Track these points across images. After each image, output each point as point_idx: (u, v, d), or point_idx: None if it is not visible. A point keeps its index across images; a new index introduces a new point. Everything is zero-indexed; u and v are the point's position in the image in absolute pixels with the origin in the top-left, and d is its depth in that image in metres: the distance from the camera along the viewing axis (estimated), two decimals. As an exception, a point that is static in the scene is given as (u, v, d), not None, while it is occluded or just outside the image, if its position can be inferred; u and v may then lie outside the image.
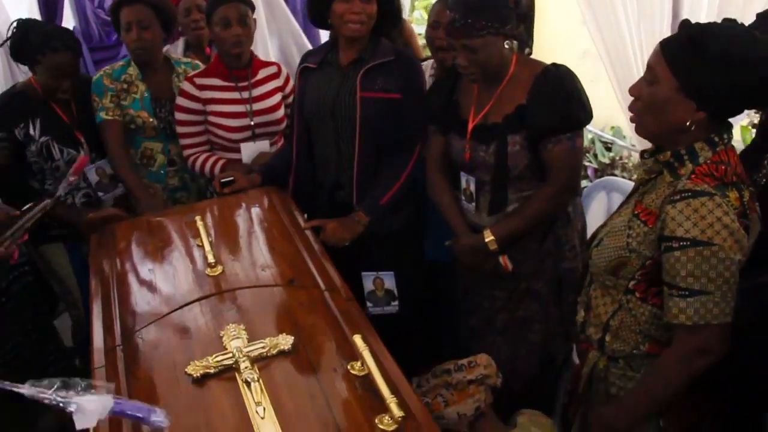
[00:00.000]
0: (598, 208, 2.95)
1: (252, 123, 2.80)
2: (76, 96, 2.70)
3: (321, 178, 2.57)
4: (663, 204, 1.51)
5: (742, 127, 3.68)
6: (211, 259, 1.92)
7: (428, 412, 1.46)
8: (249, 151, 2.82)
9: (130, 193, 2.72)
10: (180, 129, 2.81)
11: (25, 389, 1.25)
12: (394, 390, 1.44)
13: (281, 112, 2.85)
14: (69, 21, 4.35)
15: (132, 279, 1.97)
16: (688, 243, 1.45)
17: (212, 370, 1.51)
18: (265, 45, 4.05)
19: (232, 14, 2.63)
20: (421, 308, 2.71)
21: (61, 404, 1.24)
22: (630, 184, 2.99)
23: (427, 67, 2.83)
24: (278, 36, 4.19)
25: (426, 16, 4.15)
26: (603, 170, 4.08)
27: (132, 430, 1.40)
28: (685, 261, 1.46)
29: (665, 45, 1.52)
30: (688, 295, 1.46)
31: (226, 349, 1.58)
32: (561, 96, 2.07)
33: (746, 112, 2.29)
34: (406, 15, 4.66)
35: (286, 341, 1.58)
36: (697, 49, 1.45)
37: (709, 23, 1.52)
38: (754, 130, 3.47)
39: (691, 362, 1.50)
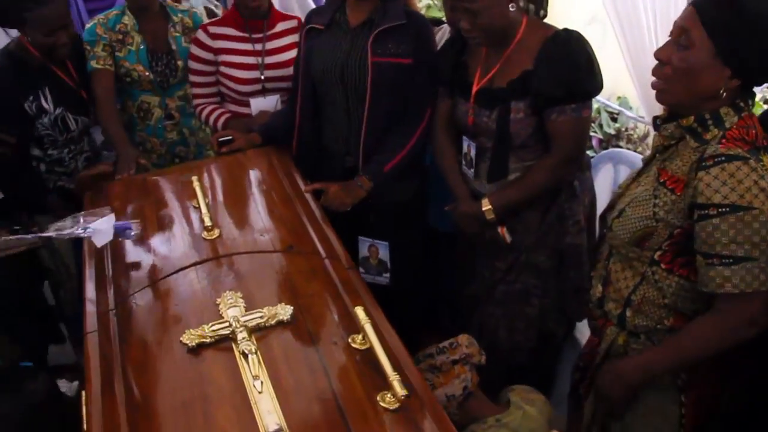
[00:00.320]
0: (604, 181, 2.88)
1: (262, 77, 2.72)
2: (71, 55, 2.58)
3: (327, 142, 2.50)
4: (692, 170, 1.45)
5: (756, 103, 3.59)
6: (208, 222, 1.86)
7: (431, 391, 1.40)
8: (258, 105, 2.75)
9: (112, 145, 2.63)
10: (191, 77, 2.77)
11: (52, 233, 1.86)
12: (397, 366, 1.39)
13: (295, 68, 2.77)
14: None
15: (126, 241, 1.90)
16: (728, 209, 1.38)
17: (208, 340, 1.46)
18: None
19: None
20: (418, 282, 2.66)
21: (82, 234, 1.82)
22: (637, 156, 2.93)
23: (445, 32, 2.73)
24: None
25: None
26: (608, 141, 3.99)
27: (125, 407, 1.35)
28: (726, 228, 1.39)
29: (700, 6, 1.42)
30: (733, 262, 1.39)
31: (223, 317, 1.52)
32: (568, 63, 1.97)
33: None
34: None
35: (285, 311, 1.52)
36: (736, 11, 1.37)
37: None
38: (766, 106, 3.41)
39: (738, 332, 1.44)
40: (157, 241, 1.88)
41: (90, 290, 1.74)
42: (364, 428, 1.28)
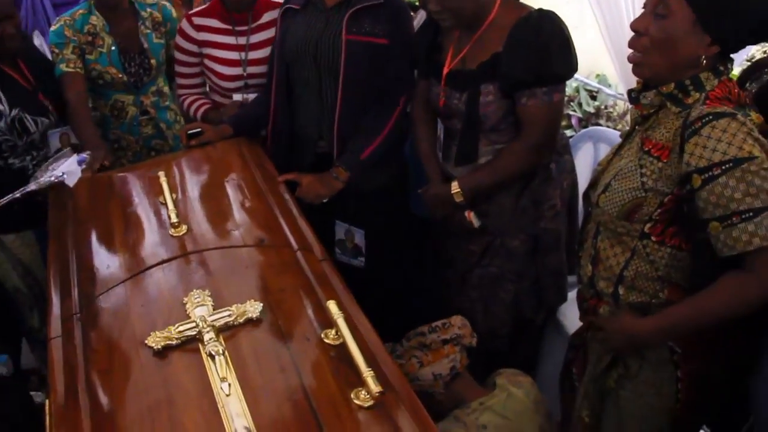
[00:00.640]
0: (584, 160, 2.83)
1: (245, 73, 2.63)
2: (21, 53, 2.42)
3: (300, 127, 2.43)
4: (677, 136, 1.41)
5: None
6: (174, 218, 1.79)
7: (409, 386, 1.35)
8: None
9: (85, 147, 2.41)
10: (176, 68, 2.70)
11: (32, 185, 2.06)
12: (372, 361, 1.34)
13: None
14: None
15: (91, 240, 1.84)
16: (731, 164, 1.34)
17: (174, 342, 1.39)
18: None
19: None
20: (397, 269, 2.61)
21: (56, 178, 2.04)
22: (617, 134, 2.88)
23: (422, 17, 2.66)
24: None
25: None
26: (587, 119, 3.96)
27: (90, 415, 1.29)
28: (735, 183, 1.34)
29: None
30: (753, 215, 1.34)
31: (189, 317, 1.46)
32: (538, 46, 1.90)
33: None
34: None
35: (254, 308, 1.47)
36: None
37: None
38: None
39: None
40: (122, 240, 1.81)
41: (54, 294, 1.67)
42: (337, 427, 1.23)
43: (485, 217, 2.14)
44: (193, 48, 2.64)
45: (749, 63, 1.72)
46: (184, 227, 1.81)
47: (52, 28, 2.58)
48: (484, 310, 2.26)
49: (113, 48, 2.58)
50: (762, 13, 1.36)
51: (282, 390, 1.30)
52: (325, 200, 2.26)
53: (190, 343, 1.41)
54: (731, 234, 1.37)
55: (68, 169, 2.02)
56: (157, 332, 1.42)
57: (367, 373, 1.26)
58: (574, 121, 3.97)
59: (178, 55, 2.68)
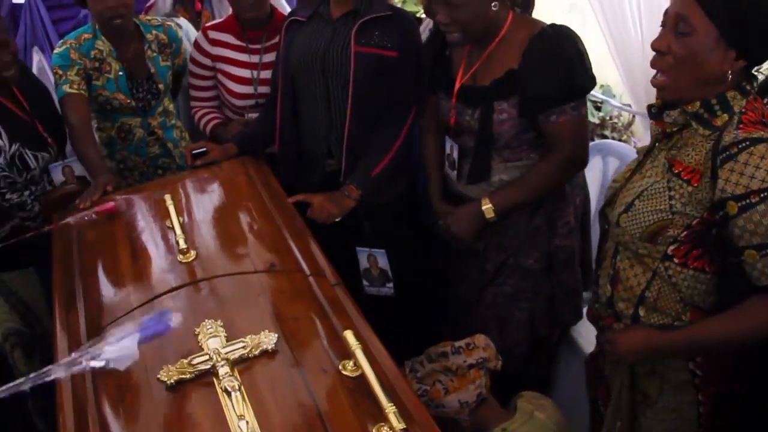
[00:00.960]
0: (593, 174, 2.78)
1: (256, 92, 2.61)
2: (19, 83, 2.31)
3: (308, 143, 2.39)
4: (708, 160, 1.38)
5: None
6: (182, 244, 1.74)
7: (432, 419, 1.31)
8: None
9: (88, 172, 2.37)
10: (190, 80, 2.69)
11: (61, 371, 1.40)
12: (392, 393, 1.30)
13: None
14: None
15: (97, 269, 1.79)
16: None
17: (188, 376, 1.35)
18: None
19: None
20: (418, 286, 2.57)
21: (96, 367, 1.40)
22: (627, 148, 2.85)
23: (427, 26, 2.64)
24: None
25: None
26: (593, 130, 3.92)
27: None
28: None
29: None
30: None
31: (203, 349, 1.41)
32: (560, 61, 1.88)
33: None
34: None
35: (269, 339, 1.42)
36: None
37: None
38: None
39: None
40: (129, 267, 1.77)
41: (60, 326, 1.63)
42: (360, 466, 1.19)
43: (499, 236, 2.10)
44: (207, 62, 2.62)
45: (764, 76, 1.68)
46: (193, 253, 1.76)
47: (57, 50, 2.49)
48: (498, 330, 2.22)
49: (121, 74, 2.52)
50: None
51: (301, 427, 1.25)
52: (337, 219, 2.22)
53: (205, 377, 1.36)
54: None
55: (120, 353, 1.41)
56: (169, 366, 1.37)
57: (390, 409, 1.21)
58: (578, 132, 3.94)
59: (192, 68, 2.66)
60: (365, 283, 2.32)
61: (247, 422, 1.22)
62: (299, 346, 1.44)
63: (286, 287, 1.66)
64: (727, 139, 1.36)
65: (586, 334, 2.26)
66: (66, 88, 2.41)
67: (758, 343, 1.43)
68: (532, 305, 2.18)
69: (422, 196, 2.51)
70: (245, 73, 2.61)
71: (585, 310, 2.15)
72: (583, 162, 2.06)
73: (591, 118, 3.98)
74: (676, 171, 1.46)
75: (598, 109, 4.00)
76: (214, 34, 2.61)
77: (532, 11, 2.08)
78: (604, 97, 3.79)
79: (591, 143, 3.04)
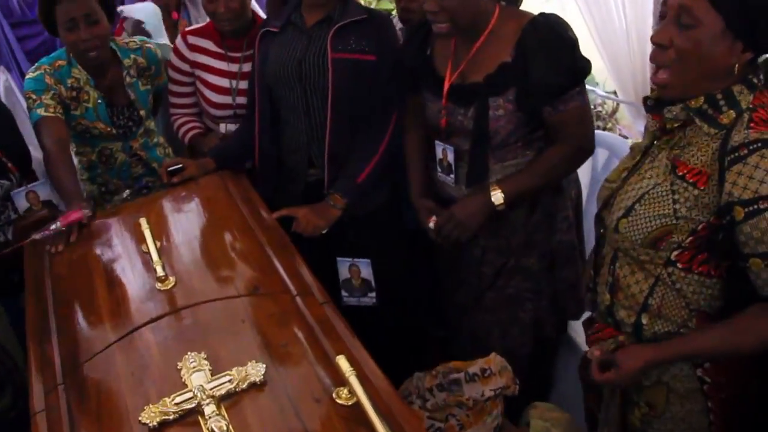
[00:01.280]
0: (582, 167, 2.73)
1: (234, 102, 2.51)
2: None
3: (288, 154, 2.31)
4: (715, 161, 1.30)
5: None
6: (160, 271, 1.65)
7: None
8: (228, 132, 2.55)
9: (62, 199, 2.23)
10: (169, 86, 2.60)
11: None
12: (390, 419, 1.22)
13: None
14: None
15: (71, 300, 1.70)
16: None
17: (171, 417, 1.26)
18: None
19: None
20: (402, 294, 2.50)
21: None
22: (616, 138, 2.79)
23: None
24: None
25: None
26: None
27: None
28: None
29: None
30: None
31: (186, 386, 1.33)
32: (560, 46, 1.79)
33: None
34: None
35: (257, 371, 1.34)
36: None
37: None
38: None
39: None
40: (105, 298, 1.67)
41: (33, 362, 1.53)
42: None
43: (496, 237, 2.02)
44: (186, 67, 2.54)
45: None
46: (172, 279, 1.67)
47: (30, 75, 2.35)
48: (501, 333, 2.15)
49: (100, 102, 2.39)
50: None
51: (296, 465, 1.17)
52: (324, 231, 2.13)
53: (190, 416, 1.27)
54: None
55: None
56: (151, 406, 1.29)
57: (389, 440, 1.14)
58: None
59: (171, 74, 2.58)
60: (344, 293, 2.23)
61: (238, 466, 1.14)
62: (289, 375, 1.36)
63: (273, 310, 1.57)
64: (737, 139, 1.27)
65: (582, 333, 2.19)
66: (41, 111, 2.27)
67: (758, 354, 1.36)
68: (536, 305, 2.11)
69: (405, 200, 2.44)
70: (223, 82, 2.53)
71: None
72: (592, 150, 1.98)
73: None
74: (681, 173, 1.37)
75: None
76: (193, 39, 2.53)
77: (520, 4, 2.00)
78: (591, 87, 3.73)
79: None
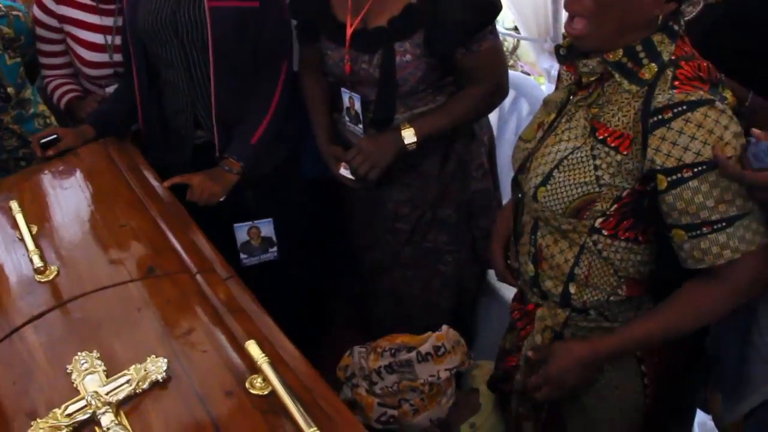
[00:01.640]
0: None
1: (111, 60, 2.28)
2: None
3: (172, 116, 2.12)
4: (636, 122, 1.20)
5: None
6: (38, 261, 1.47)
7: (361, 426, 1.15)
8: None
9: None
10: (37, 45, 2.32)
11: None
12: (311, 404, 1.12)
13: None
14: None
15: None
16: (704, 166, 1.14)
17: (64, 431, 1.11)
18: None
19: None
20: (311, 253, 2.40)
21: None
22: (519, 76, 2.72)
23: None
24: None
25: None
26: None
27: None
28: (708, 188, 1.15)
29: None
30: (726, 225, 1.16)
31: (79, 392, 1.18)
32: None
33: None
34: None
35: (157, 367, 1.20)
36: None
37: None
38: None
39: (746, 294, 1.23)
40: (-24, 296, 1.48)
41: None
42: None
43: (409, 188, 1.92)
44: (53, 23, 2.28)
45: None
46: (54, 268, 1.49)
47: None
48: (422, 288, 2.09)
49: None
50: None
51: (211, 471, 1.06)
52: (221, 199, 1.98)
53: (85, 427, 1.13)
54: (699, 245, 1.19)
55: None
56: (39, 420, 1.13)
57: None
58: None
59: (39, 31, 2.30)
60: (243, 256, 2.11)
61: (143, 481, 1.02)
62: (195, 368, 1.23)
63: (171, 294, 1.42)
64: (660, 100, 1.18)
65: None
66: None
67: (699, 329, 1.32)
68: (456, 258, 2.05)
69: (303, 149, 2.31)
70: (97, 38, 2.28)
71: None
72: (507, 90, 1.91)
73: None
74: (601, 137, 1.27)
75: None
76: None
77: None
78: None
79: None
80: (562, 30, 1.46)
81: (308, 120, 2.08)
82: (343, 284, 2.76)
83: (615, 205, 1.27)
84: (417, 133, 1.81)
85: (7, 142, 2.32)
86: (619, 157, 1.24)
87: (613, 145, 1.25)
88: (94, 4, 2.27)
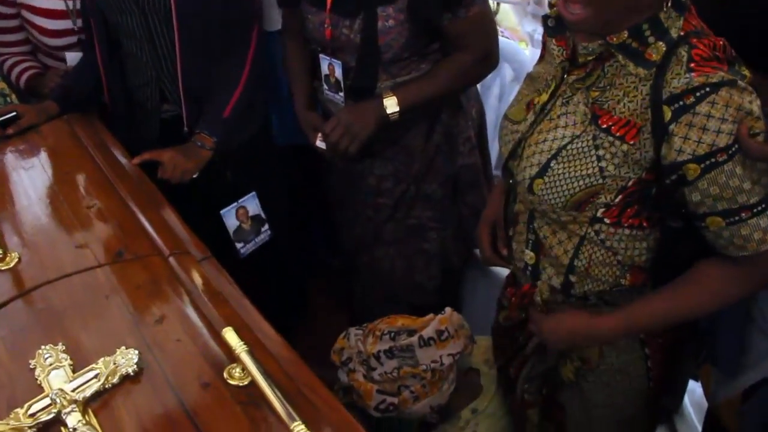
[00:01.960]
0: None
1: (76, 26, 2.15)
2: None
3: (137, 90, 2.01)
4: (648, 109, 1.10)
5: None
6: (-3, 247, 1.37)
7: (352, 420, 1.08)
8: (76, 60, 2.18)
9: None
10: None
11: None
12: (294, 393, 1.06)
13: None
14: None
15: None
16: (737, 147, 1.05)
17: (28, 432, 1.03)
18: None
19: None
20: (293, 224, 2.33)
21: None
22: (510, 44, 2.63)
23: None
24: None
25: None
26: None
27: None
28: (742, 170, 1.06)
29: None
30: (766, 207, 1.08)
31: (43, 389, 1.09)
32: None
33: None
34: None
35: (128, 359, 1.11)
36: None
37: None
38: None
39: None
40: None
41: None
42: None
43: (393, 162, 1.83)
44: None
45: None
46: (15, 255, 1.39)
47: None
48: (406, 266, 2.02)
49: None
50: None
51: (188, 471, 0.98)
52: (195, 176, 1.88)
53: (51, 427, 1.05)
54: (740, 232, 1.10)
55: None
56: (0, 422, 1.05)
57: (296, 427, 0.96)
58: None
59: None
60: (239, 245, 2.01)
61: (114, 485, 0.94)
62: (169, 359, 1.15)
63: (142, 278, 1.34)
64: (677, 85, 1.06)
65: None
66: None
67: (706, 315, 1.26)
68: (442, 234, 1.97)
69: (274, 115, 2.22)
70: (57, 3, 2.14)
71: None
72: (497, 59, 1.81)
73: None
74: (605, 125, 1.16)
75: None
76: None
77: None
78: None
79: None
80: (548, -8, 1.36)
81: (276, 85, 1.98)
82: (323, 261, 2.68)
83: (620, 197, 1.18)
84: (400, 102, 1.72)
85: None
86: (625, 147, 1.14)
87: (618, 134, 1.14)
88: None
